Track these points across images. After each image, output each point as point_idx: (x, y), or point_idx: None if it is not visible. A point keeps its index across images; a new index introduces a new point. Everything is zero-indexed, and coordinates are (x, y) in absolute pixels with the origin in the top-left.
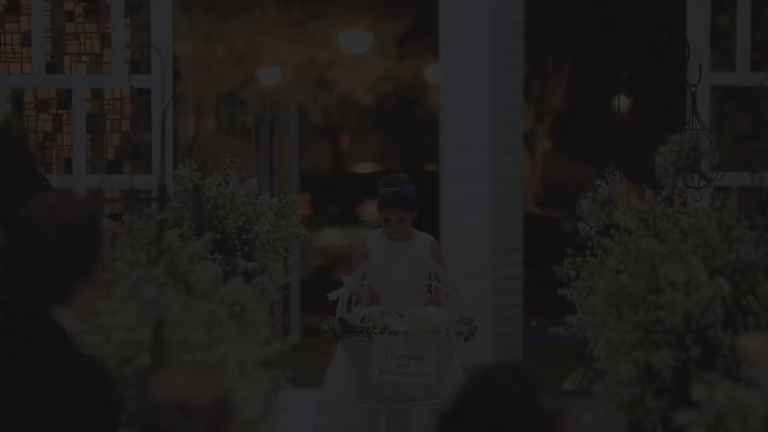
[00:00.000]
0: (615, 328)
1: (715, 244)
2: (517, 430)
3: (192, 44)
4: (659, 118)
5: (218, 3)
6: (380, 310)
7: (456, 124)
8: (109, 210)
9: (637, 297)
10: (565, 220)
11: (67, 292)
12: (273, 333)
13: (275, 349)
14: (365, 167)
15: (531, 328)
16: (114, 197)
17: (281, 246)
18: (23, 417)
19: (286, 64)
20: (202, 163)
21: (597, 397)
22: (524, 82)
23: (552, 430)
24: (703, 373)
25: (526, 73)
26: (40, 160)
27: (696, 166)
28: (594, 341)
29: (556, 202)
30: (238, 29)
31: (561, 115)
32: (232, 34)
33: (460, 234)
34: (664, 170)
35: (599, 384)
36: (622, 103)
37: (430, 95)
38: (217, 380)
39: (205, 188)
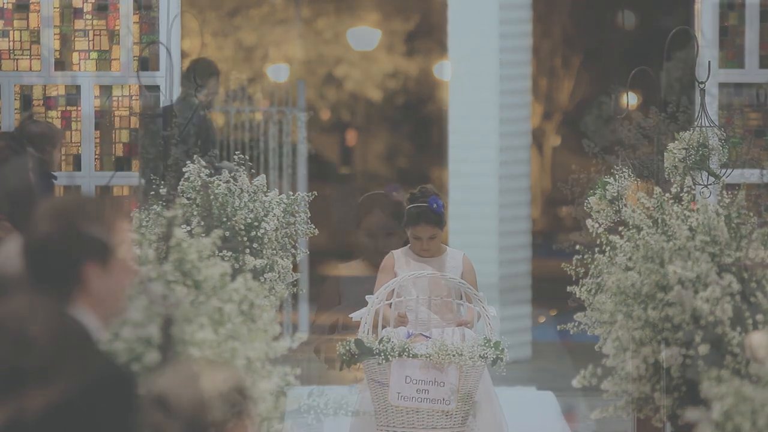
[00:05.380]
0: (624, 325)
1: (723, 242)
2: None
3: (200, 41)
4: (667, 115)
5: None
6: (408, 332)
7: (464, 121)
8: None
9: (645, 294)
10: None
11: (73, 285)
12: (281, 330)
13: (284, 346)
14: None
15: (540, 325)
16: (123, 194)
17: (290, 243)
18: (49, 419)
19: (294, 60)
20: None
21: (606, 394)
22: (532, 79)
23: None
24: (711, 370)
25: (534, 70)
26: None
27: (704, 163)
28: (603, 338)
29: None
30: (246, 26)
31: (569, 112)
32: (240, 30)
33: (468, 231)
34: (673, 167)
35: (608, 381)
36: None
37: (438, 92)
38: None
39: (213, 185)
